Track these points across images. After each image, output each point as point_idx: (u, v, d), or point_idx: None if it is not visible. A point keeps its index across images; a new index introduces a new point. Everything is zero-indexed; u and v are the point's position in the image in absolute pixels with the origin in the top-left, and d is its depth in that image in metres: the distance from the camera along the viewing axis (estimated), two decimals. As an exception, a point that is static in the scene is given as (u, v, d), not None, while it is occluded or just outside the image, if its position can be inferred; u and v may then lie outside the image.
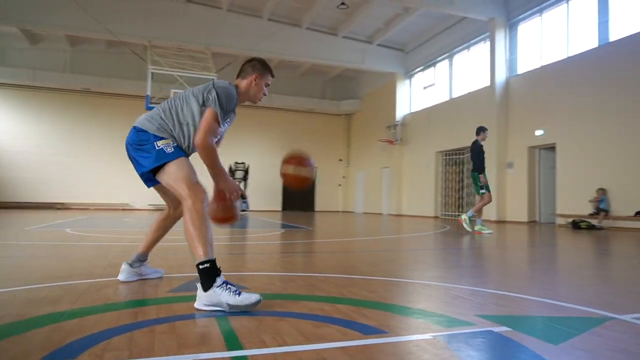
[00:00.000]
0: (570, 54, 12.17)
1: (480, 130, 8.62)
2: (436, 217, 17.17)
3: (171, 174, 2.53)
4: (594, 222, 10.60)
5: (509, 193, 13.82)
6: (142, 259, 3.14)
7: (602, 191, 10.81)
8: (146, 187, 2.94)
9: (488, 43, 15.11)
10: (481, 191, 8.51)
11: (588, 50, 11.64)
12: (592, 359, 1.75)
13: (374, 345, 1.89)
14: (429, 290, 3.08)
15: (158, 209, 17.83)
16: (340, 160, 25.33)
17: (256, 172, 20.92)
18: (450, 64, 17.28)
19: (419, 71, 19.30)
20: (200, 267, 2.34)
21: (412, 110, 19.67)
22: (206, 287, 2.32)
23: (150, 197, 18.19)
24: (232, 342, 1.87)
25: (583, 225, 10.60)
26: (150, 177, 2.70)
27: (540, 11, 13.24)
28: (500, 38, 14.11)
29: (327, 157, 24.62)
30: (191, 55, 16.58)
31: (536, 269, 4.34)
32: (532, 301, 2.78)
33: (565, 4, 12.45)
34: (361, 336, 2.03)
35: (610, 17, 11.21)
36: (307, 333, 2.02)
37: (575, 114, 11.71)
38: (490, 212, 13.94)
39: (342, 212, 24.44)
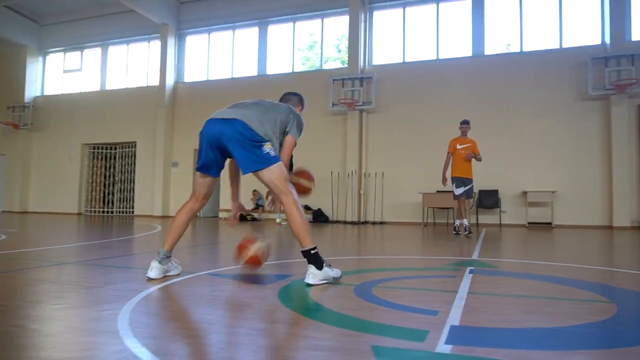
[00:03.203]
0: (235, 76, 14.58)
1: None
2: (80, 214, 15.94)
3: (276, 174, 2.89)
4: (256, 215, 13.26)
5: (174, 190, 14.83)
6: (169, 255, 3.12)
7: (257, 192, 13.62)
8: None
9: (150, 43, 15.70)
10: None
11: (250, 76, 14.34)
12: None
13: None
14: (403, 261, 4.27)
15: None
16: None
17: None
18: (105, 54, 16.53)
19: (59, 51, 17.27)
20: (312, 252, 2.88)
21: (48, 93, 17.32)
22: (320, 267, 2.87)
23: None
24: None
25: (249, 217, 13.07)
26: (220, 167, 3.05)
27: (209, 31, 15.06)
28: (171, 44, 14.99)
29: None
30: None
31: (348, 243, 6.06)
32: (433, 259, 4.49)
33: (232, 32, 14.79)
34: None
35: (267, 54, 14.30)
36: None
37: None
38: (157, 208, 14.52)
39: None
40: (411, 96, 12.29)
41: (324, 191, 12.89)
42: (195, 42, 15.39)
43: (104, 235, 7.14)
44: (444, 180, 7.84)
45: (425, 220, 11.32)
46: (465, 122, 7.77)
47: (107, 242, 5.95)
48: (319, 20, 13.81)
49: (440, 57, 12.41)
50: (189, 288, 2.88)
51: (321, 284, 2.87)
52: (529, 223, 10.77)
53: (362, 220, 12.49)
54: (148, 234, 7.49)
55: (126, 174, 16.07)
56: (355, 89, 12.50)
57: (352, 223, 12.10)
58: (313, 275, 2.85)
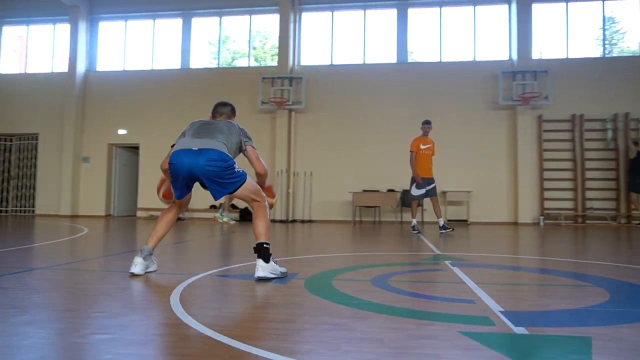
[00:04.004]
0: (155, 68, 13.86)
1: None
2: (-34, 214, 14.05)
3: (249, 188, 3.19)
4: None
5: (84, 187, 13.68)
6: (151, 252, 3.28)
7: (180, 189, 13.11)
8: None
9: (57, 26, 14.37)
10: None
11: (172, 69, 13.73)
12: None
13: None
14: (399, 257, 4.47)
15: None
16: None
17: None
18: (-1, 34, 14.72)
19: (-61, 27, 15.00)
20: (265, 246, 3.09)
21: None
22: (267, 260, 3.06)
23: None
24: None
25: (172, 217, 12.53)
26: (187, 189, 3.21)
27: (126, 18, 14.12)
28: (82, 29, 13.80)
29: None
30: None
31: (309, 243, 6.17)
32: (406, 255, 4.79)
33: (152, 21, 14.02)
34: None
35: (191, 47, 13.80)
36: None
37: (158, 121, 13.39)
38: (65, 207, 13.30)
39: None
40: (340, 98, 12.66)
41: (252, 190, 12.77)
42: (109, 28, 14.34)
43: (32, 239, 6.47)
44: (419, 178, 7.68)
45: (354, 219, 11.76)
46: (427, 122, 7.86)
47: (45, 245, 5.43)
48: (246, 17, 13.66)
49: (367, 62, 12.96)
50: (214, 288, 2.82)
51: (271, 277, 3.00)
52: (447, 220, 11.69)
53: (291, 218, 12.60)
54: (79, 236, 6.91)
55: (25, 169, 14.45)
56: (285, 88, 12.58)
57: (281, 222, 12.16)
58: (262, 268, 3.01)
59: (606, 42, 12.25)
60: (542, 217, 11.33)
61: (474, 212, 11.67)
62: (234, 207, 12.66)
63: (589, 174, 11.40)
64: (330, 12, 13.21)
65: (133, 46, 14.15)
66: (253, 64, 13.86)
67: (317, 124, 12.73)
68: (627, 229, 9.61)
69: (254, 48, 14.29)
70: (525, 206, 11.45)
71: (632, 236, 7.76)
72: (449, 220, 11.69)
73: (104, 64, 14.26)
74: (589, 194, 11.38)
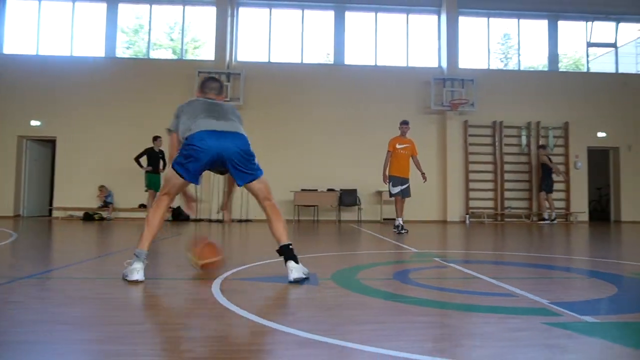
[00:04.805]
0: (75, 54, 12.71)
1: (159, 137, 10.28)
2: None
3: (265, 183, 3.19)
4: (104, 214, 11.81)
5: (-13, 185, 12.15)
6: (147, 255, 2.99)
7: (104, 188, 12.14)
8: None
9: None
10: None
11: (94, 57, 12.68)
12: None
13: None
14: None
15: None
16: None
17: None
18: None
19: None
20: (290, 246, 3.01)
21: None
22: (297, 261, 2.97)
23: None
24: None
25: (96, 217, 11.59)
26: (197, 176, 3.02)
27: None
28: (-15, 6, 12.26)
29: None
30: None
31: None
32: (395, 253, 4.95)
33: (71, 3, 12.81)
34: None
35: (117, 35, 12.87)
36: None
37: (78, 113, 12.30)
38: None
39: None
40: (278, 95, 12.59)
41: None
42: (19, 8, 12.87)
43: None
44: (385, 178, 7.86)
45: (294, 218, 11.77)
46: (405, 123, 7.96)
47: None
48: (179, 7, 13.04)
49: (305, 61, 13.02)
50: (253, 293, 2.71)
51: (301, 278, 2.87)
52: (383, 219, 12.16)
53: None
54: (11, 240, 6.16)
55: None
56: (223, 84, 12.21)
57: (218, 221, 11.80)
58: (296, 270, 2.89)
59: (520, 56, 13.54)
60: (467, 216, 12.24)
61: (407, 210, 12.14)
62: (166, 206, 12.00)
63: (507, 176, 12.55)
64: (268, 9, 13.09)
65: (48, 29, 12.85)
66: (172, 56, 13.31)
67: (255, 121, 12.44)
68: (539, 226, 10.72)
69: (172, 40, 13.71)
70: (453, 205, 12.28)
71: (559, 232, 8.69)
72: (384, 219, 12.20)
73: (12, 46, 12.77)
74: (507, 194, 12.51)
